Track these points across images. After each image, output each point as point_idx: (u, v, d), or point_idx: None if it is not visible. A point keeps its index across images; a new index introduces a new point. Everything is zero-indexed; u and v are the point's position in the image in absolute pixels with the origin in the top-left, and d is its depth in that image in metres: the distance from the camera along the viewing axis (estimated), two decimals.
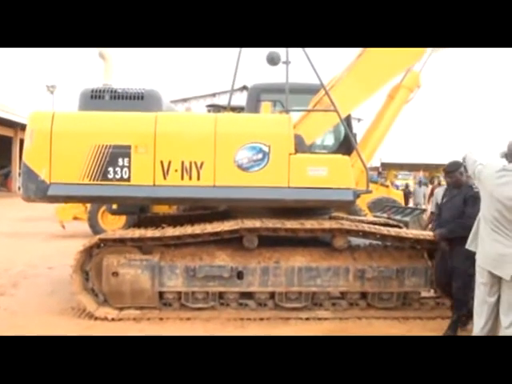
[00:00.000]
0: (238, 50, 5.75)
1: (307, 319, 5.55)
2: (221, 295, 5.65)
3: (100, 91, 5.78)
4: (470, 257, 4.91)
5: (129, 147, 5.35)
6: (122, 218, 10.14)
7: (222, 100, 25.26)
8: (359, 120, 22.97)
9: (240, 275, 5.58)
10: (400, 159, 37.46)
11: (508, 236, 3.75)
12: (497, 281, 3.88)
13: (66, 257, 6.64)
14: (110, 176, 5.34)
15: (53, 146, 5.32)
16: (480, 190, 4.24)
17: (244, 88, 21.20)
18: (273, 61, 5.66)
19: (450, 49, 6.75)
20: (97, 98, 5.74)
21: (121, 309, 5.52)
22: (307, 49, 5.57)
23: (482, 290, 4.05)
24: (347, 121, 6.49)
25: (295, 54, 5.62)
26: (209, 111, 9.80)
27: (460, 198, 5.07)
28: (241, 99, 9.95)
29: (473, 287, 4.98)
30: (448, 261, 5.11)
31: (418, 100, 7.21)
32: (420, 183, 19.78)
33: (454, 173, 5.13)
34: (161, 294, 5.58)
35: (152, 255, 5.56)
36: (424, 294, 5.97)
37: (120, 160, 5.34)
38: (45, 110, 5.75)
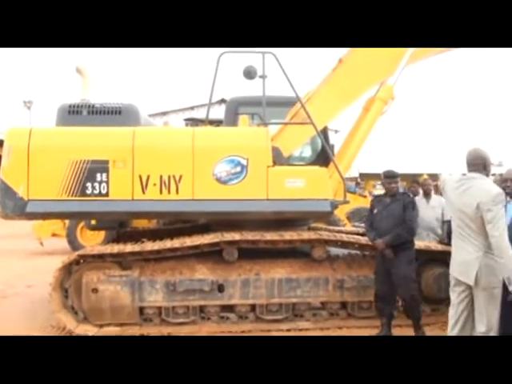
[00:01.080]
0: (215, 61, 5.79)
1: (288, 330, 5.57)
2: (202, 309, 5.64)
3: (77, 106, 5.77)
4: (412, 262, 5.20)
5: (107, 162, 5.34)
6: (101, 234, 10.03)
7: (200, 113, 25.28)
8: (336, 131, 23.17)
9: (221, 288, 5.58)
10: (378, 169, 37.85)
11: (472, 243, 3.85)
12: (466, 287, 3.96)
13: (45, 274, 6.54)
14: (89, 191, 5.32)
15: (30, 162, 5.29)
16: (446, 202, 4.38)
17: (222, 101, 21.32)
18: (249, 75, 5.72)
19: (423, 61, 6.92)
20: (74, 114, 5.73)
21: (101, 326, 5.47)
22: (284, 64, 5.65)
23: (453, 295, 4.12)
24: (324, 132, 6.57)
25: (272, 68, 5.71)
26: (187, 125, 9.85)
27: (398, 205, 5.22)
28: (219, 112, 10.01)
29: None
30: (391, 268, 5.16)
31: (395, 111, 7.34)
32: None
33: (396, 178, 5.33)
34: (141, 310, 5.54)
35: (132, 270, 5.53)
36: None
37: (98, 175, 5.33)
38: (22, 126, 5.73)
